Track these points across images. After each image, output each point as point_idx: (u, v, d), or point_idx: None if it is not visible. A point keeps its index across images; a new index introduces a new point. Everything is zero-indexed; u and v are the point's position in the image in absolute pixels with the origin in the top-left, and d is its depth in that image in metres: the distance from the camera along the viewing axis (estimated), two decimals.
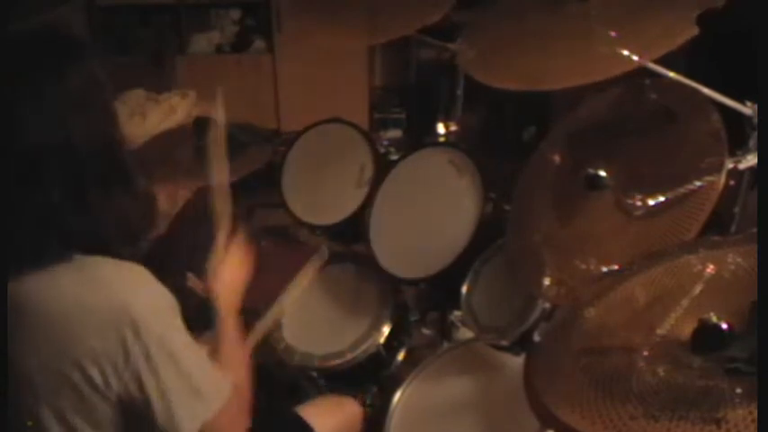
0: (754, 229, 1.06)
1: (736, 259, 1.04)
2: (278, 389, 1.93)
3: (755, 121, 1.34)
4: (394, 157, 2.04)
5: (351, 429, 1.65)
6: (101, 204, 1.10)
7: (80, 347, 1.07)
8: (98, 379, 1.08)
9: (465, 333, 1.84)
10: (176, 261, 1.50)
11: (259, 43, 3.85)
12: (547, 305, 1.54)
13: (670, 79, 1.41)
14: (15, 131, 1.05)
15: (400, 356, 1.88)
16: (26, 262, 1.08)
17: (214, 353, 1.24)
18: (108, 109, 1.14)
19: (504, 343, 1.61)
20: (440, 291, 1.92)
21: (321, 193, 2.09)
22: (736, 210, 1.41)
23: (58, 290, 1.07)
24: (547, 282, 1.41)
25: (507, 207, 1.77)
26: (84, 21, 3.62)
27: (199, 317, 1.42)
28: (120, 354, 1.07)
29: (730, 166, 1.27)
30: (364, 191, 1.99)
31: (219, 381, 1.17)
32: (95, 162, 1.10)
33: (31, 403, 1.12)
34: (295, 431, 1.53)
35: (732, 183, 1.29)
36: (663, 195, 1.30)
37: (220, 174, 1.47)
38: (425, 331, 1.99)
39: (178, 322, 1.13)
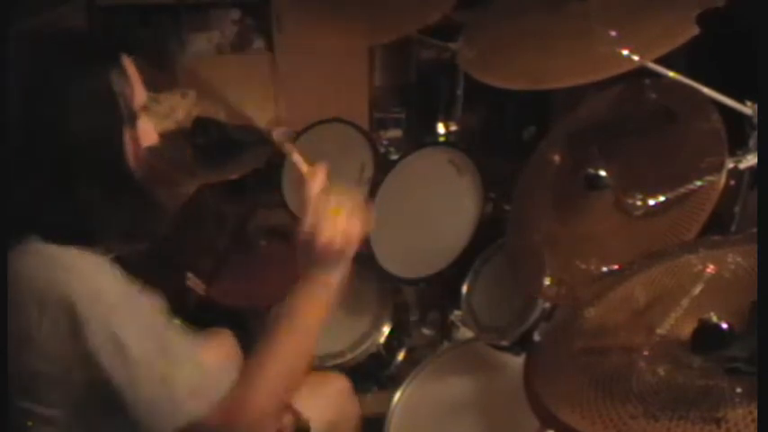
0: (754, 229, 1.06)
1: (737, 259, 1.04)
2: None
3: (755, 120, 1.34)
4: (394, 157, 2.05)
5: (340, 404, 1.59)
6: (97, 206, 1.10)
7: (37, 336, 1.04)
8: (56, 368, 1.05)
9: (465, 333, 1.84)
10: (176, 261, 1.50)
11: (259, 43, 3.85)
12: (547, 305, 1.54)
13: (670, 79, 1.41)
14: (34, 128, 1.06)
15: (400, 356, 1.88)
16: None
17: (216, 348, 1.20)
18: (117, 111, 1.14)
19: (505, 343, 1.61)
20: (440, 290, 1.92)
21: None
22: (737, 209, 1.41)
23: (17, 275, 1.05)
24: (547, 282, 1.41)
25: (507, 207, 1.77)
26: (84, 21, 3.61)
27: (199, 317, 1.42)
28: (69, 347, 1.03)
29: (730, 165, 1.27)
30: (364, 191, 1.99)
31: (214, 375, 1.10)
32: (97, 164, 1.10)
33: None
34: None
35: (732, 182, 1.29)
36: (663, 195, 1.30)
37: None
38: (425, 331, 1.99)
39: (128, 315, 1.06)
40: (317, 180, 1.22)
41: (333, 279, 1.20)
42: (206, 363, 1.10)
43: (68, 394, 1.09)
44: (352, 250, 1.20)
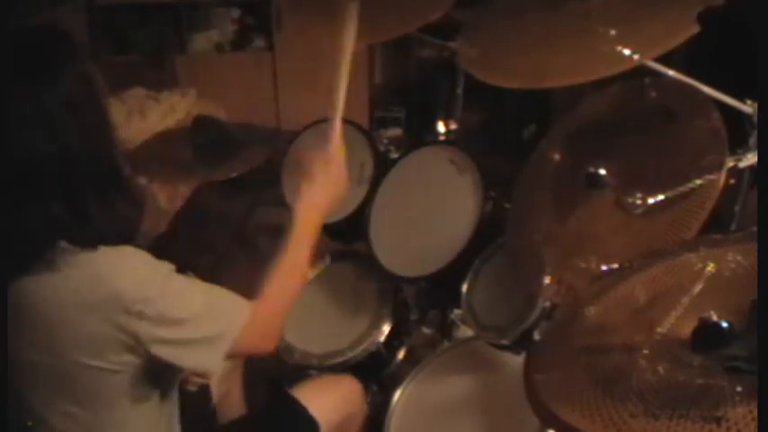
0: (755, 228, 1.06)
1: (737, 257, 1.04)
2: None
3: (755, 119, 1.34)
4: (394, 156, 2.04)
5: (350, 405, 1.63)
6: (96, 207, 1.11)
7: (85, 343, 1.09)
8: (107, 365, 1.11)
9: (465, 332, 1.84)
10: (176, 260, 1.50)
11: (259, 42, 3.85)
12: (547, 304, 1.54)
13: (670, 78, 1.41)
14: (8, 136, 1.05)
15: (400, 355, 1.88)
16: (20, 266, 1.08)
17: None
18: (102, 110, 1.14)
19: (505, 342, 1.61)
20: (440, 289, 1.92)
21: None
22: (737, 208, 1.41)
23: (55, 288, 1.08)
24: (547, 280, 1.41)
25: (507, 206, 1.77)
26: (84, 20, 3.61)
27: None
28: (128, 337, 1.10)
29: (730, 164, 1.27)
30: (364, 189, 1.99)
31: (234, 306, 1.23)
32: (90, 165, 1.10)
33: (32, 399, 1.13)
34: (288, 413, 1.52)
35: (732, 181, 1.29)
36: (663, 194, 1.30)
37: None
38: (425, 330, 1.99)
39: (172, 280, 1.16)
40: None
41: (325, 206, 1.43)
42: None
43: (108, 389, 1.14)
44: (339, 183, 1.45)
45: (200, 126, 2.29)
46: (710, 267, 1.05)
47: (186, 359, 1.17)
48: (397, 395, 1.69)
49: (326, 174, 1.43)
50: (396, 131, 3.67)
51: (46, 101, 1.05)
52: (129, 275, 1.10)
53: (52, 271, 1.08)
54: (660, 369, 0.93)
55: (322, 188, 1.42)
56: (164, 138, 2.37)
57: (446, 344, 1.87)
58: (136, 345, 1.11)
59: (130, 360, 1.13)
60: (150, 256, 1.15)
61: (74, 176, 1.08)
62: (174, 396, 1.30)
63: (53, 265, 1.07)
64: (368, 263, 1.94)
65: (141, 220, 1.22)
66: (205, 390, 1.57)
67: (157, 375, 1.20)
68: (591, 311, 1.11)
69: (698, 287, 1.02)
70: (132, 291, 1.08)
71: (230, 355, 1.21)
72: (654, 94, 1.44)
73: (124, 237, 1.15)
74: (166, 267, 1.16)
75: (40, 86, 1.05)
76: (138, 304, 1.08)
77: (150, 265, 1.14)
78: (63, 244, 1.08)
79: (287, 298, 1.33)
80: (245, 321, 1.22)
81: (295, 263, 1.35)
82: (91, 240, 1.10)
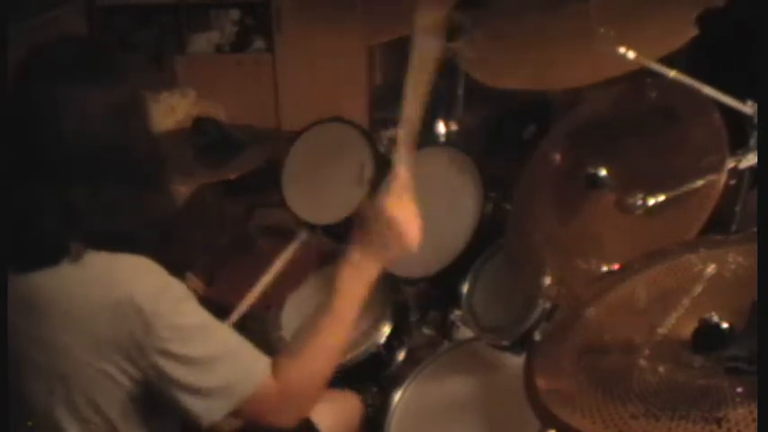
0: (755, 229, 1.06)
1: (737, 258, 1.04)
2: None
3: (756, 120, 1.34)
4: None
5: (351, 421, 1.64)
6: (146, 202, 1.15)
7: (92, 344, 1.09)
8: (113, 370, 1.10)
9: (465, 333, 1.83)
10: (176, 261, 1.50)
11: (259, 43, 3.85)
12: (547, 304, 1.54)
13: (671, 78, 1.41)
14: (68, 134, 1.09)
15: (400, 356, 1.87)
16: (35, 261, 1.10)
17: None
18: (148, 111, 1.20)
19: (505, 342, 1.61)
20: (440, 290, 1.92)
21: (321, 192, 2.09)
22: (737, 209, 1.41)
23: (68, 288, 1.09)
24: (547, 281, 1.41)
25: (508, 206, 1.77)
26: (84, 21, 3.62)
27: None
28: (133, 347, 1.09)
29: (731, 165, 1.27)
30: (365, 190, 1.99)
31: (250, 361, 1.16)
32: (140, 155, 1.16)
33: (43, 398, 1.13)
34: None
35: (733, 182, 1.29)
36: (663, 194, 1.30)
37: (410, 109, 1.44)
38: (426, 331, 1.99)
39: (190, 306, 1.14)
40: (405, 179, 1.29)
41: (375, 270, 1.27)
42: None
43: (124, 395, 1.13)
44: (401, 246, 1.26)
45: (200, 127, 2.29)
46: (711, 269, 1.05)
47: (182, 400, 1.11)
48: (397, 396, 1.69)
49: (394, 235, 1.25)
50: (396, 133, 3.66)
51: (112, 95, 1.12)
52: (143, 283, 1.09)
53: (65, 269, 1.08)
54: (661, 370, 0.93)
55: (382, 251, 1.27)
56: (163, 139, 2.37)
57: (446, 345, 1.86)
58: (139, 358, 1.09)
59: (132, 371, 1.11)
60: (165, 272, 1.13)
61: (123, 165, 1.12)
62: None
63: (68, 263, 1.08)
64: None
65: (177, 215, 1.24)
66: None
67: (159, 400, 1.14)
68: (591, 312, 1.11)
69: (698, 288, 1.02)
70: (145, 299, 1.07)
71: (235, 414, 1.14)
72: (654, 94, 1.44)
73: (158, 233, 1.17)
74: (180, 290, 1.14)
75: (107, 84, 1.13)
76: (149, 316, 1.07)
77: (164, 280, 1.12)
78: (80, 244, 1.09)
79: (317, 373, 1.21)
80: (261, 380, 1.14)
81: (330, 339, 1.23)
82: (120, 234, 1.11)
